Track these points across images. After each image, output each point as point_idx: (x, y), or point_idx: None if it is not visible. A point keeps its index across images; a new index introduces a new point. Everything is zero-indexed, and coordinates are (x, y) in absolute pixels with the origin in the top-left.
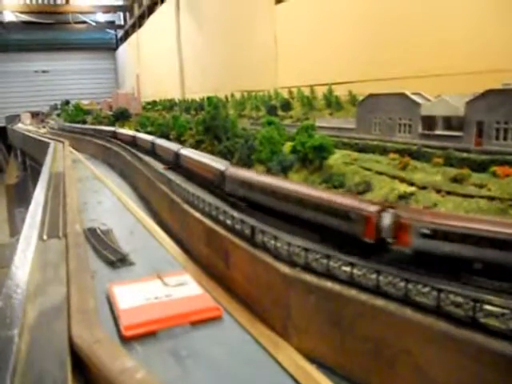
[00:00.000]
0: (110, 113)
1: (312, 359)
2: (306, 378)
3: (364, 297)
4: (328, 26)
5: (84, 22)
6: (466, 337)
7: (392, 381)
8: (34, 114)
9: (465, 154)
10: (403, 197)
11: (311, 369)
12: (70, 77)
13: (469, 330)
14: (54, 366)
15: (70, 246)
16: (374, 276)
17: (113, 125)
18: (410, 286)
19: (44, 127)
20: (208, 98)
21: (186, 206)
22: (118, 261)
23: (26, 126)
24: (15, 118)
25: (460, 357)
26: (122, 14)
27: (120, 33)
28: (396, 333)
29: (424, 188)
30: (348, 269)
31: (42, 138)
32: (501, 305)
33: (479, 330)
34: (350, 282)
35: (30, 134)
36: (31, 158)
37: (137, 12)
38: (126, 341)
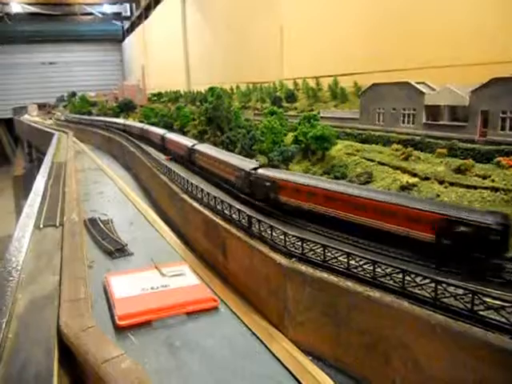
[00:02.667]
0: (116, 104)
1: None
2: (300, 370)
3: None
4: (334, 18)
5: (90, 14)
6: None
7: None
8: (41, 106)
9: (469, 145)
10: (405, 187)
11: (306, 361)
12: (76, 68)
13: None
14: (40, 355)
15: (65, 234)
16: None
17: (117, 116)
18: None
19: (50, 118)
20: (211, 89)
21: (185, 196)
22: (116, 251)
23: (32, 117)
24: (22, 110)
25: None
26: (128, 6)
27: (126, 24)
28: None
29: (427, 179)
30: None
31: (48, 129)
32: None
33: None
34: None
35: (36, 125)
36: (37, 149)
37: (143, 3)
38: (120, 330)
